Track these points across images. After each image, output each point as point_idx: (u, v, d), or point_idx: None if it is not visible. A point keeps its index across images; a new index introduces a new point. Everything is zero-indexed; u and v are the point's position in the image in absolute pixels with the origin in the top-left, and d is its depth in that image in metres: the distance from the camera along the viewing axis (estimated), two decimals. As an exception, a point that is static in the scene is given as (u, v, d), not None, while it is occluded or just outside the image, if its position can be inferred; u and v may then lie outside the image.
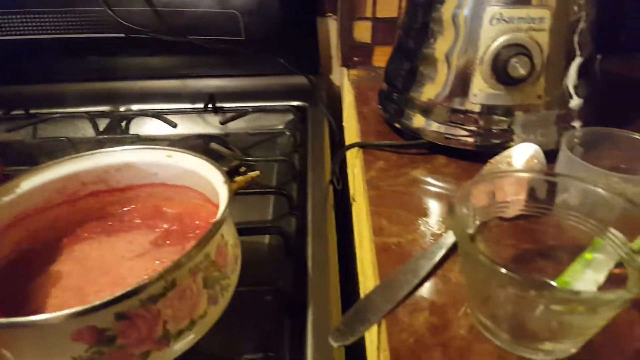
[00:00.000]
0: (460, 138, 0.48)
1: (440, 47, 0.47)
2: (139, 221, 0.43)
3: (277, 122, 0.72)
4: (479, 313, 0.30)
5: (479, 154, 0.46)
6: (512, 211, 0.33)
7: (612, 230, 0.30)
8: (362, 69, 0.74)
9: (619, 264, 0.30)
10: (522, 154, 0.41)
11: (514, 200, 0.33)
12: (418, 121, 0.50)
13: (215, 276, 0.33)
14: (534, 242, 0.35)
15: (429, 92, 0.49)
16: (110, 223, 0.43)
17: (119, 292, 0.26)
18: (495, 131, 0.47)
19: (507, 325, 0.29)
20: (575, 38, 0.45)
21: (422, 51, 0.49)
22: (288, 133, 0.67)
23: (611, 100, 0.50)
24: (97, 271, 0.37)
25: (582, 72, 0.47)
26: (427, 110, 0.50)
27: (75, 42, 0.72)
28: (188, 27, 0.71)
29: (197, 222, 0.42)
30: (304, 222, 0.51)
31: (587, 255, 0.32)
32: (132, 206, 0.44)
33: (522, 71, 0.42)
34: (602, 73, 0.51)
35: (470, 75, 0.46)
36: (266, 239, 0.49)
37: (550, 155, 0.42)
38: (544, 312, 0.26)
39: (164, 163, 0.42)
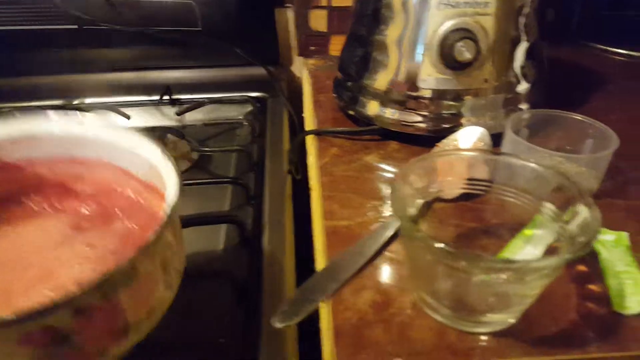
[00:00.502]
0: (413, 124, 0.48)
1: (391, 33, 0.48)
2: (44, 204, 0.37)
3: (236, 114, 0.71)
4: (421, 290, 0.31)
5: (431, 139, 0.47)
6: (453, 190, 0.34)
7: (547, 204, 0.31)
8: (319, 58, 0.74)
9: (557, 239, 0.31)
10: (468, 137, 0.42)
11: (455, 180, 0.33)
12: (371, 108, 0.51)
13: (170, 259, 0.30)
14: (478, 221, 0.36)
15: (382, 79, 0.49)
16: (8, 209, 0.36)
17: (76, 286, 0.22)
18: (445, 116, 0.47)
19: (448, 300, 0.29)
20: (521, 22, 0.46)
21: (374, 38, 0.49)
22: (246, 123, 0.66)
23: (560, 85, 0.51)
24: (16, 267, 0.31)
25: (528, 56, 0.48)
26: (379, 97, 0.50)
27: (24, 35, 0.70)
28: (143, 18, 0.69)
29: (118, 200, 0.37)
30: (261, 212, 0.50)
31: (527, 231, 0.33)
32: (33, 186, 0.37)
33: (468, 55, 0.43)
34: (552, 60, 0.52)
35: (419, 60, 0.46)
36: (222, 229, 0.48)
37: (500, 138, 0.43)
38: (480, 284, 0.27)
39: (74, 135, 0.35)
